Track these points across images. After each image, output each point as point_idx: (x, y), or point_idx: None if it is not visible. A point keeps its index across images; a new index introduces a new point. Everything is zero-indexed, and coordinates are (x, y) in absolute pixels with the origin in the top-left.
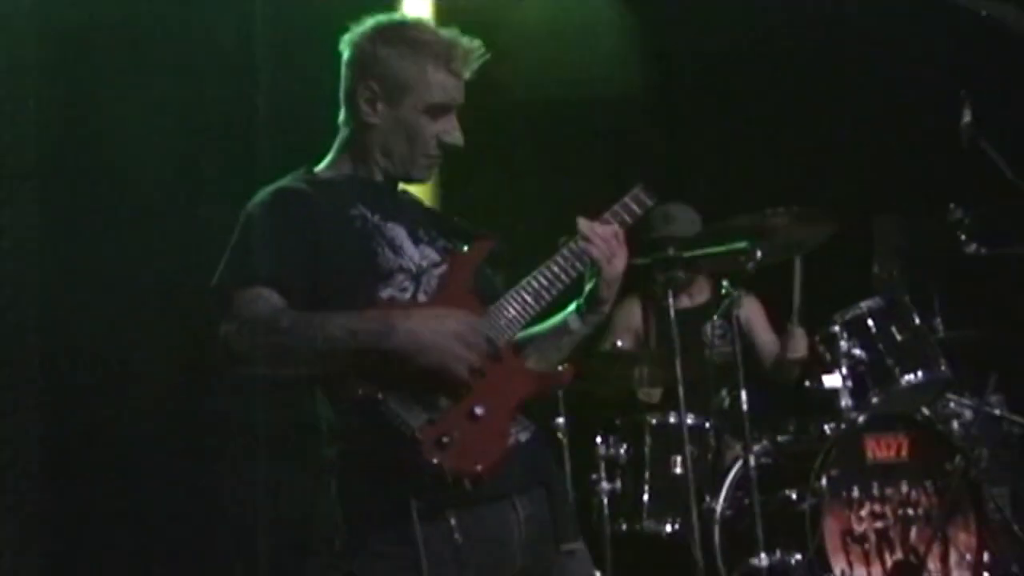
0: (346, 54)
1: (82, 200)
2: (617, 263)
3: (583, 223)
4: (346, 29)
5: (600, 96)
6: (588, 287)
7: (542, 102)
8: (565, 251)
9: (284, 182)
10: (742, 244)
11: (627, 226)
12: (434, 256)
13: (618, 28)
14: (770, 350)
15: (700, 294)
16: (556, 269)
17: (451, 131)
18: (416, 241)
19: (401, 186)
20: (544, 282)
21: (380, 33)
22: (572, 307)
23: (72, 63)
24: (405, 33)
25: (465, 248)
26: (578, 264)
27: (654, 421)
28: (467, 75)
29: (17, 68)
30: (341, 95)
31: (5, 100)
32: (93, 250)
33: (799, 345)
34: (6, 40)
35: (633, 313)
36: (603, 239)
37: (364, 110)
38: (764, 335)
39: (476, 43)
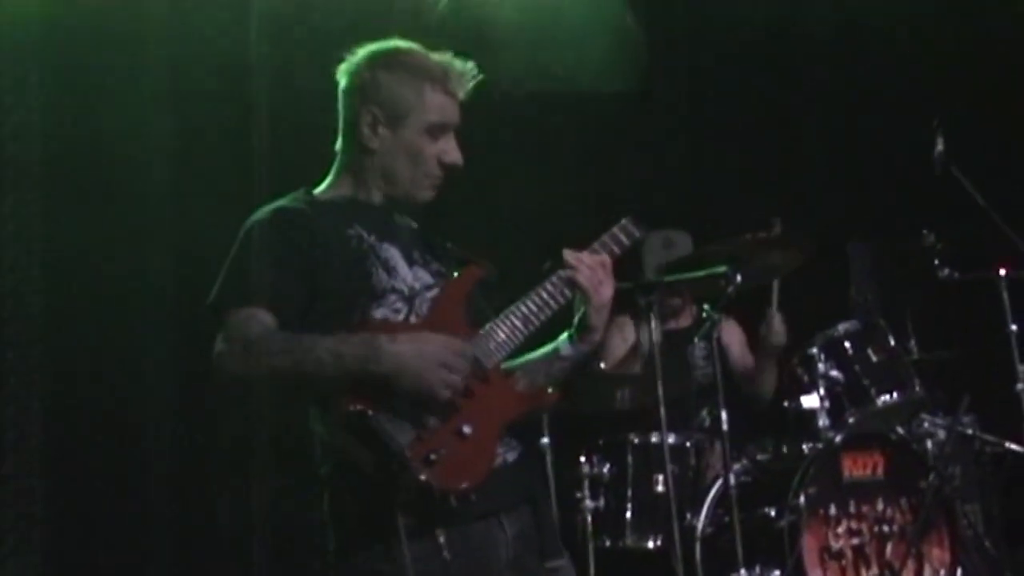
0: (344, 83)
1: (84, 200)
2: (604, 291)
3: (568, 253)
4: (341, 58)
5: (576, 113)
6: (578, 315)
7: (523, 104)
8: (554, 278)
9: (284, 201)
10: (721, 269)
11: (615, 256)
12: (427, 279)
13: (598, 52)
14: (744, 373)
15: (687, 316)
16: (545, 295)
17: (450, 151)
18: (411, 263)
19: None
20: (533, 308)
21: (377, 60)
22: (564, 335)
23: (75, 67)
24: (401, 59)
25: (456, 274)
26: (566, 291)
27: (636, 440)
28: (462, 96)
29: (21, 74)
30: (340, 123)
31: (9, 104)
32: (95, 251)
33: (779, 329)
34: (11, 46)
35: (627, 332)
36: (589, 267)
37: (366, 134)
38: (742, 359)
39: (469, 65)
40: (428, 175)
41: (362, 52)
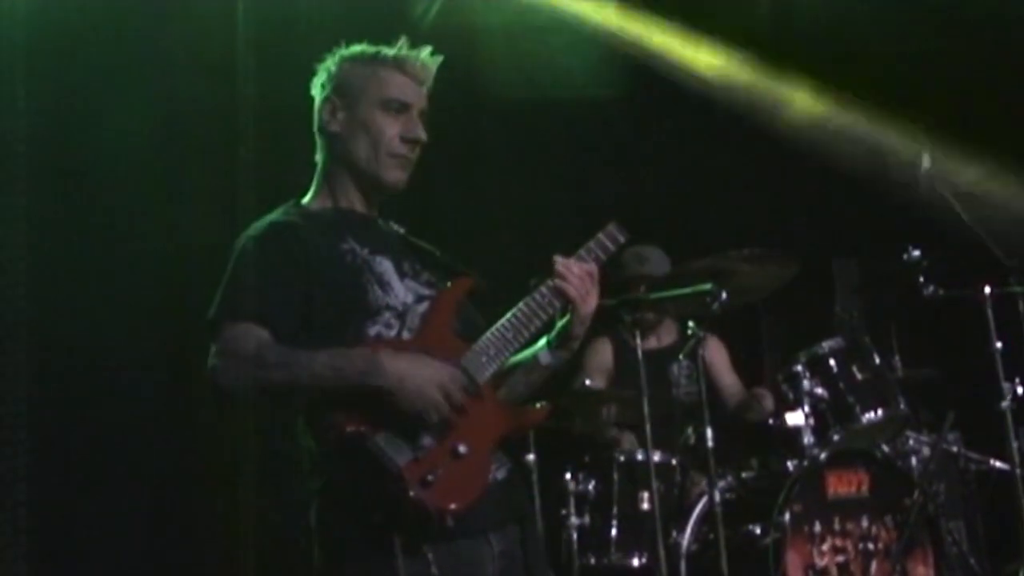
0: (314, 91)
1: (69, 201)
2: (591, 301)
3: (560, 261)
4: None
5: (563, 121)
6: (560, 324)
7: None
8: (543, 288)
9: (276, 216)
10: (707, 286)
11: (601, 263)
12: (419, 290)
13: (585, 61)
14: (731, 392)
15: (668, 335)
16: (534, 306)
17: (412, 128)
18: (402, 275)
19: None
20: (523, 319)
21: (337, 59)
22: (542, 342)
23: (60, 68)
24: (358, 52)
25: (448, 284)
26: (556, 302)
27: (622, 458)
28: (425, 80)
29: (6, 78)
30: (315, 130)
31: None
32: (81, 253)
33: (767, 404)
34: None
35: (604, 353)
36: (578, 277)
37: (327, 120)
38: (727, 377)
39: (426, 50)
40: (391, 153)
41: (326, 60)
